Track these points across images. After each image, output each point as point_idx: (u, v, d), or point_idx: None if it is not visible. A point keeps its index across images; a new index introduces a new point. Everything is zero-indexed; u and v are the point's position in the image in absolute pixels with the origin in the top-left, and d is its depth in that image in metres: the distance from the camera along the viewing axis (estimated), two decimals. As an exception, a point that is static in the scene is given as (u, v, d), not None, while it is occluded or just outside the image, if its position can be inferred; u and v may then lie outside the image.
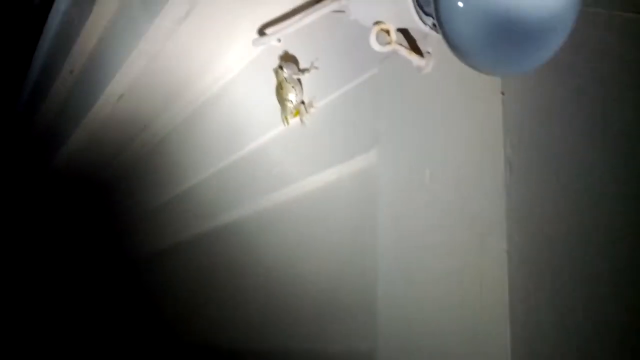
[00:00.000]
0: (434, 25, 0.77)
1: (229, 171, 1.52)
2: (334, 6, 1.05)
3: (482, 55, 0.66)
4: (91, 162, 2.20)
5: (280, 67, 1.18)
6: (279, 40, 1.27)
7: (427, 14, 0.76)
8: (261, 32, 1.28)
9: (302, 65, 1.20)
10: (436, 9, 0.65)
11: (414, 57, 0.86)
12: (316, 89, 1.16)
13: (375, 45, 0.83)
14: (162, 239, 1.97)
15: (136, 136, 1.94)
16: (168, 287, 1.98)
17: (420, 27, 0.77)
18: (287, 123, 1.21)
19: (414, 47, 0.88)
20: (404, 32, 0.89)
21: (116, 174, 2.29)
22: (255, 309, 1.40)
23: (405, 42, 0.89)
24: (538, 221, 0.72)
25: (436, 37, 0.86)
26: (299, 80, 1.19)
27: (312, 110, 1.17)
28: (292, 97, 1.18)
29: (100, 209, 2.56)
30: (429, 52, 0.86)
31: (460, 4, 0.64)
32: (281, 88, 1.18)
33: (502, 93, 0.74)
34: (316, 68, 1.16)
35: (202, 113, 1.67)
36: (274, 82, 1.21)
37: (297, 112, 1.18)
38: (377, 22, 0.84)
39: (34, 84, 2.07)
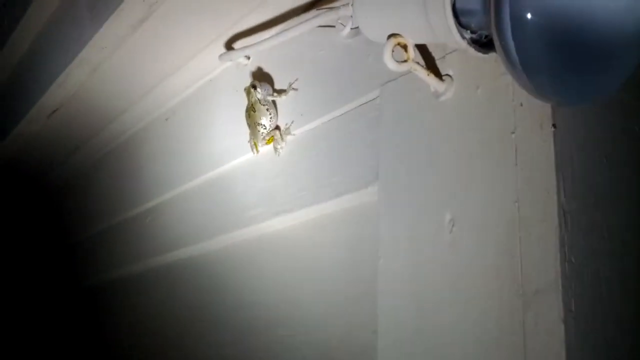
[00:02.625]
0: (472, 40, 0.64)
1: (176, 204, 1.33)
2: (321, 20, 0.91)
3: (549, 76, 0.54)
4: (12, 184, 1.95)
5: (254, 87, 1.02)
6: (248, 58, 1.12)
7: (463, 26, 0.63)
8: (229, 45, 1.12)
9: (277, 86, 1.05)
10: (496, 21, 0.52)
11: (432, 80, 0.72)
12: (294, 114, 1.01)
13: (390, 63, 0.69)
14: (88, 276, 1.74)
15: (67, 157, 1.72)
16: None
17: (455, 41, 0.63)
18: (257, 151, 1.04)
19: (432, 68, 0.74)
20: (420, 49, 0.75)
21: (41, 199, 2.05)
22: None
23: (422, 61, 0.75)
24: (598, 284, 0.59)
25: (457, 58, 0.73)
26: (274, 102, 1.03)
27: (288, 137, 1.01)
28: (265, 121, 1.02)
29: (23, 236, 2.28)
30: (449, 75, 0.73)
31: (529, 16, 0.51)
32: (253, 110, 1.02)
33: (554, 126, 0.61)
34: (295, 90, 1.01)
35: (145, 136, 1.48)
36: (241, 102, 1.05)
37: (271, 139, 1.02)
38: (392, 35, 0.70)
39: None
